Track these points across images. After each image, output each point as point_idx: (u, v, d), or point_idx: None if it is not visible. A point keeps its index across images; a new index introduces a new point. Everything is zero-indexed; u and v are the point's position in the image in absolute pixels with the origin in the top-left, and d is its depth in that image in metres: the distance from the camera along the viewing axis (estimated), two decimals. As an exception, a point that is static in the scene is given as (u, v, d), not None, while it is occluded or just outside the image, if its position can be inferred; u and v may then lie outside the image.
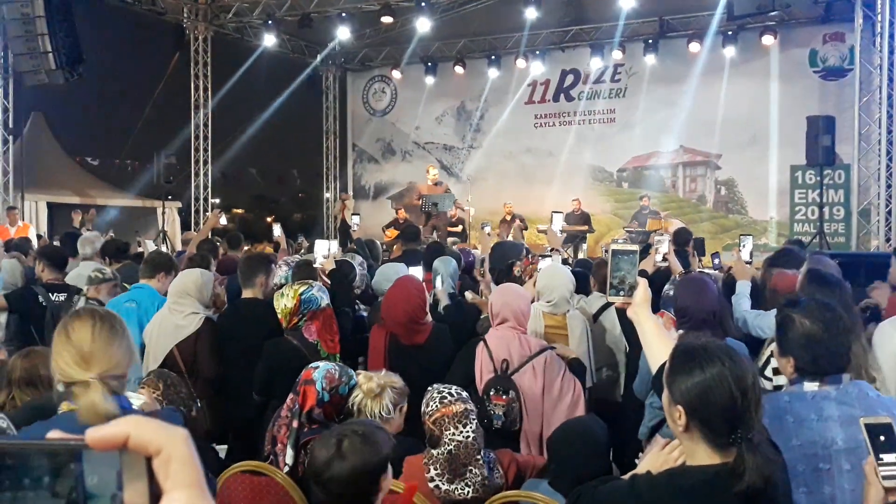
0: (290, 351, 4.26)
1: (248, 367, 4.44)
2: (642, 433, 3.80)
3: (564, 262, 6.46)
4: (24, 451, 0.63)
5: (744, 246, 5.18)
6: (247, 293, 4.99)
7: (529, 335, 4.20)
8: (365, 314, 5.46)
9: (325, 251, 4.88)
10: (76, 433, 0.68)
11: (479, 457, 3.13)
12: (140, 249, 8.59)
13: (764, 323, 4.43)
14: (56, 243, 9.32)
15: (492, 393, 3.90)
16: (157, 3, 16.63)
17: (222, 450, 4.27)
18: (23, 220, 12.73)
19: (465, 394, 3.28)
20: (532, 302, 4.80)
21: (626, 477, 2.14)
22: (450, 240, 12.84)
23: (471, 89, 19.59)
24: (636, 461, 2.72)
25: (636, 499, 2.02)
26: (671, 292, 4.62)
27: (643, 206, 15.42)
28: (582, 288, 5.36)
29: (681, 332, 3.90)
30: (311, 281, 4.43)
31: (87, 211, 11.60)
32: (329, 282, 5.03)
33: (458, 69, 19.05)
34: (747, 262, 5.13)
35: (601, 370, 4.76)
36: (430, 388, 3.31)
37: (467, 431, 3.12)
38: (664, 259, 5.44)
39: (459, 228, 15.29)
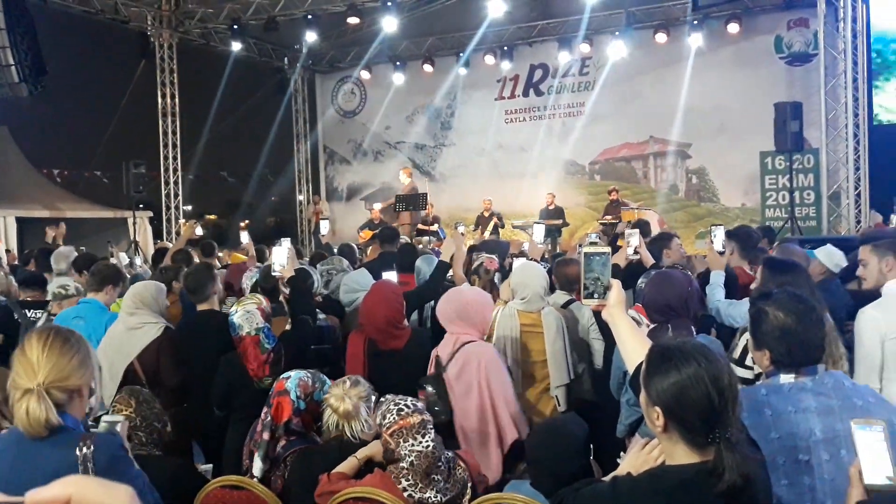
0: (243, 366, 4.23)
1: (209, 379, 4.42)
2: (620, 431, 3.80)
3: (542, 259, 6.45)
4: None
5: (715, 236, 5.18)
6: (203, 306, 4.95)
7: (476, 334, 4.24)
8: (325, 324, 5.40)
9: (282, 259, 4.82)
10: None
11: (440, 464, 3.13)
12: (113, 261, 8.49)
13: (736, 312, 4.46)
14: (27, 259, 9.20)
15: (418, 389, 4.03)
16: (120, 11, 16.44)
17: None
18: (-9, 236, 12.56)
19: (420, 404, 3.27)
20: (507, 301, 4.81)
21: (608, 479, 2.14)
22: (424, 239, 12.83)
23: (440, 87, 19.57)
24: (618, 461, 2.73)
25: (617, 501, 2.02)
26: (643, 286, 4.64)
27: (612, 199, 15.52)
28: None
29: (652, 325, 3.93)
30: (251, 299, 4.38)
31: (57, 225, 11.44)
32: (286, 291, 4.99)
33: (427, 67, 19.04)
34: (720, 252, 5.14)
35: (577, 366, 4.76)
36: (384, 400, 3.29)
37: (427, 441, 3.12)
38: (636, 252, 5.44)
39: (434, 227, 15.28)
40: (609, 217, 14.77)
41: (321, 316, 5.37)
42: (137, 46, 17.09)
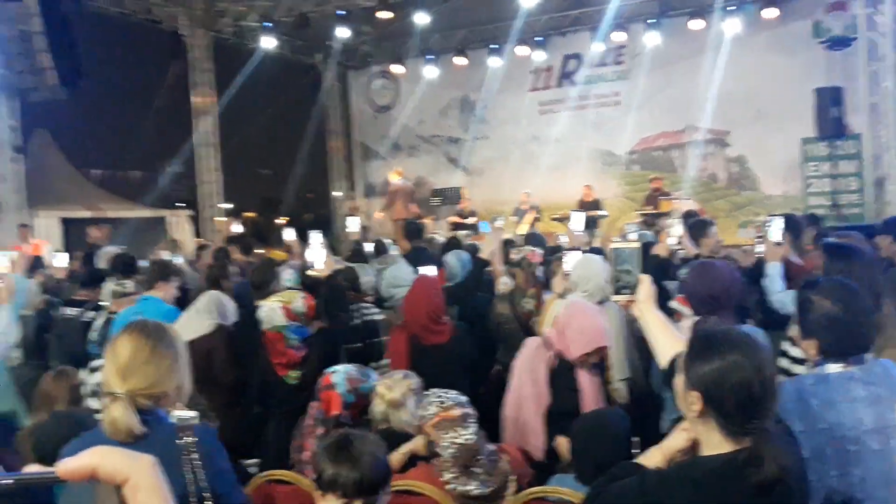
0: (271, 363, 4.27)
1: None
2: (664, 428, 3.77)
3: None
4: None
5: (771, 226, 5.00)
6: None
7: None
8: (380, 318, 5.43)
9: (318, 259, 4.87)
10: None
11: (480, 457, 3.13)
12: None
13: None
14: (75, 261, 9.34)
15: None
16: (153, 12, 16.63)
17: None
18: (33, 236, 12.77)
19: (464, 398, 3.27)
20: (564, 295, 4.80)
21: (637, 472, 2.12)
22: (462, 232, 12.82)
23: (474, 80, 19.49)
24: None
25: (645, 496, 2.00)
26: (684, 276, 4.58)
27: (654, 188, 15.32)
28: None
29: (696, 318, 3.87)
30: (281, 296, 4.43)
31: (101, 225, 11.62)
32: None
33: (460, 60, 18.97)
34: (777, 244, 4.98)
35: (638, 360, 4.71)
36: (427, 393, 3.31)
37: (468, 435, 3.12)
38: (679, 242, 5.38)
39: (472, 221, 15.26)
40: (650, 207, 14.57)
41: (374, 309, 5.40)
42: (171, 46, 17.28)
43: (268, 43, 17.36)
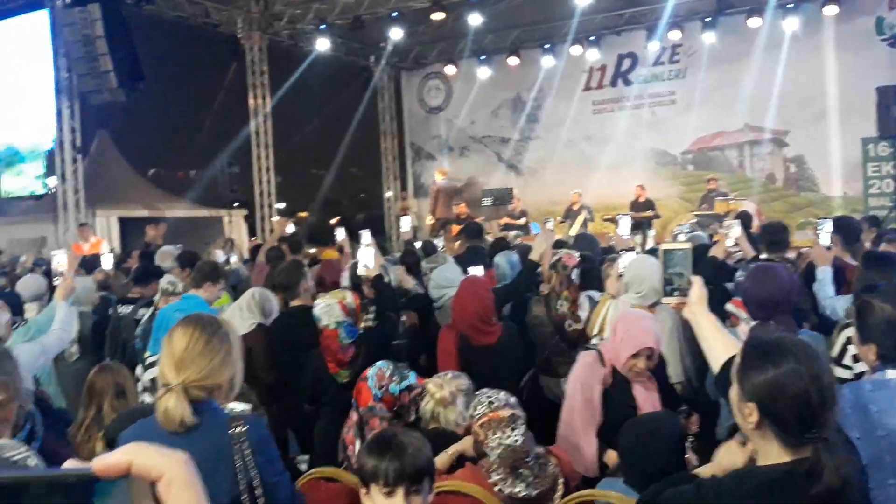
0: (325, 361, 4.31)
1: (302, 372, 4.52)
2: (720, 434, 3.69)
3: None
4: (39, 481, 0.68)
5: (821, 229, 4.89)
6: (295, 302, 5.15)
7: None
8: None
9: (368, 259, 4.92)
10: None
11: (528, 459, 3.10)
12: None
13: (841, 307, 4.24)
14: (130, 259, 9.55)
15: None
16: (210, 15, 16.91)
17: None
18: (94, 235, 13.09)
19: (514, 400, 3.24)
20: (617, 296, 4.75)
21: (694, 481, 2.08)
22: (512, 233, 12.78)
23: (526, 80, 19.44)
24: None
25: (701, 502, 1.95)
26: (741, 279, 4.48)
27: (710, 188, 15.06)
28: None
29: (753, 322, 3.78)
30: (337, 294, 4.48)
31: (156, 224, 11.85)
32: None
33: (512, 60, 18.92)
34: (827, 248, 4.85)
35: (691, 364, 4.63)
36: (478, 393, 3.29)
37: (516, 436, 3.10)
38: (736, 244, 5.28)
39: (522, 221, 15.20)
40: (706, 208, 14.32)
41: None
42: (228, 49, 17.54)
43: (322, 45, 17.52)
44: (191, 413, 2.21)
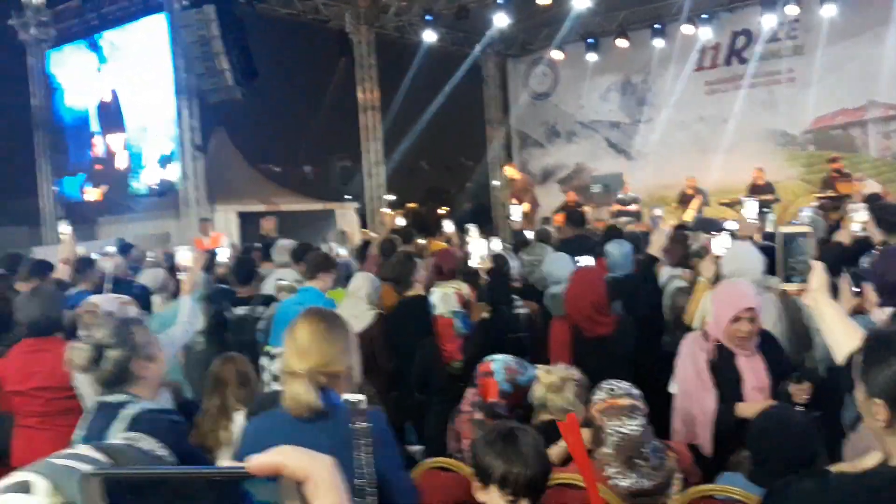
0: (438, 349, 4.33)
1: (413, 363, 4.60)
2: (846, 425, 3.50)
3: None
4: (198, 478, 0.73)
5: None
6: (409, 293, 5.28)
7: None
8: (524, 311, 5.39)
9: (481, 251, 4.95)
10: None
11: (643, 450, 3.01)
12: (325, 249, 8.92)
13: None
14: (247, 251, 9.85)
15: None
16: (320, 11, 17.26)
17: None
18: (213, 230, 13.57)
19: (636, 391, 3.16)
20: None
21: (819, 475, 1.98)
22: (623, 219, 12.53)
23: (635, 62, 19.01)
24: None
25: (824, 498, 1.86)
26: (866, 264, 4.23)
27: (832, 168, 14.35)
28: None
29: (887, 309, 3.56)
30: (453, 284, 4.52)
31: (269, 217, 12.20)
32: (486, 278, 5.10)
33: (621, 42, 18.50)
34: None
35: (801, 354, 4.43)
36: (600, 385, 3.23)
37: (634, 426, 3.01)
38: (863, 229, 4.98)
39: (634, 208, 14.87)
40: (829, 190, 13.64)
41: (518, 302, 5.38)
42: (337, 44, 17.88)
43: (429, 36, 17.61)
44: (319, 398, 2.28)
